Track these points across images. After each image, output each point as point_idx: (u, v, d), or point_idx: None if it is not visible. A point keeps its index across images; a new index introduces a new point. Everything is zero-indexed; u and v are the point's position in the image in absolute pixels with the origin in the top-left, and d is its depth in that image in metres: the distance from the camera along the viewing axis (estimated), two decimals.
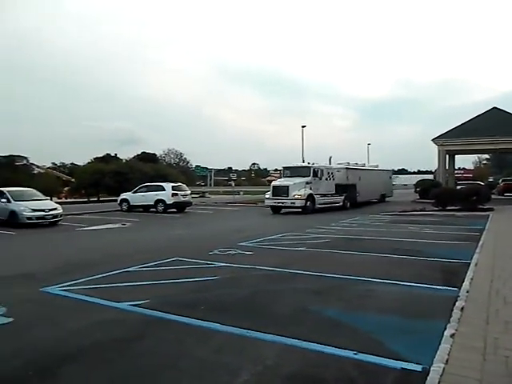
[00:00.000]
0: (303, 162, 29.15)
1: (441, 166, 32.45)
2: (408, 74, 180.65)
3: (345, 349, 3.79)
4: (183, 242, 12.04)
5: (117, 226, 16.83)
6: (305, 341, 4.01)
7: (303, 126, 43.50)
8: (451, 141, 30.77)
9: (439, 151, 31.74)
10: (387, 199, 31.99)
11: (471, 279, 6.24)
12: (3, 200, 16.80)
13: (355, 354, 3.71)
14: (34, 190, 19.05)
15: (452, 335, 3.96)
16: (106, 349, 4.00)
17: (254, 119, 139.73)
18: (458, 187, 28.57)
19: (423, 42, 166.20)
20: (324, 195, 23.47)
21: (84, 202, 35.20)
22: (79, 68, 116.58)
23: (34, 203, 16.90)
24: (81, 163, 53.90)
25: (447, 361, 3.41)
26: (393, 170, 39.72)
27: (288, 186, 22.22)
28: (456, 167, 41.82)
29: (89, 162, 51.77)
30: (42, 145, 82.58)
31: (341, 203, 24.80)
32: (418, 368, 3.41)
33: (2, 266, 8.44)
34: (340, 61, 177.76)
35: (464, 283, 5.98)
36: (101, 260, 8.87)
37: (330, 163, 26.42)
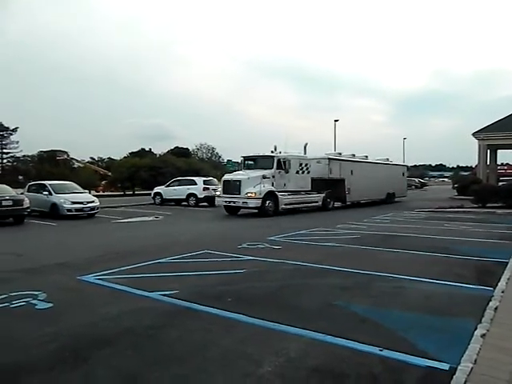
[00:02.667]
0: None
1: (481, 161, 31.07)
2: (446, 66, 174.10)
3: (370, 345, 3.77)
4: (213, 235, 12.25)
5: (150, 218, 17.32)
6: (330, 335, 4.01)
7: (336, 120, 42.99)
8: (493, 135, 29.28)
9: (480, 146, 30.39)
10: (399, 199, 27.35)
11: (508, 279, 6.01)
12: (45, 193, 17.68)
13: (380, 350, 3.68)
14: (74, 184, 19.91)
15: (483, 335, 3.85)
16: (136, 335, 4.17)
17: (285, 114, 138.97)
18: (500, 184, 27.33)
19: (462, 31, 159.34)
20: (294, 193, 18.86)
21: (120, 196, 36.39)
22: (116, 67, 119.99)
23: (73, 196, 17.67)
24: (117, 158, 55.59)
25: (476, 361, 3.32)
26: (407, 166, 34.27)
27: (240, 181, 17.50)
28: (499, 163, 39.94)
29: (125, 157, 53.37)
30: (81, 140, 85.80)
31: (319, 203, 20.11)
32: (445, 367, 3.35)
33: (43, 255, 8.93)
34: (373, 54, 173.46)
35: (500, 283, 5.77)
36: (134, 251, 9.18)
37: (304, 152, 20.55)
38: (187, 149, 68.01)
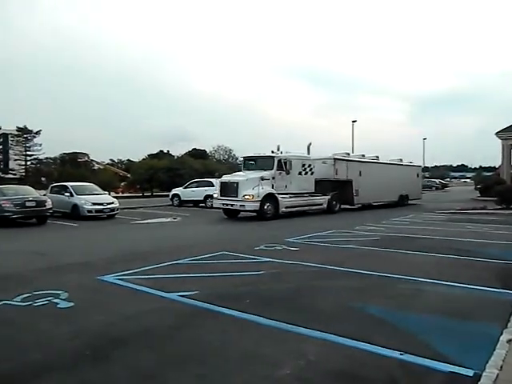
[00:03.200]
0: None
1: (505, 161, 30.33)
2: (468, 65, 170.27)
3: (390, 348, 3.71)
4: (230, 236, 12.29)
5: (168, 220, 17.49)
6: (348, 338, 3.96)
7: (353, 121, 42.72)
8: None
9: (503, 146, 29.69)
10: (413, 202, 25.90)
11: None
12: (67, 194, 18.06)
13: (401, 354, 3.61)
14: (94, 185, 20.29)
15: (509, 341, 3.75)
16: (155, 335, 4.21)
17: (304, 115, 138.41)
18: None
19: (484, 30, 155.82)
20: (296, 195, 17.86)
21: (139, 197, 36.87)
22: (137, 68, 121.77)
23: (93, 197, 18.00)
24: (136, 159, 56.35)
25: (501, 367, 3.23)
26: (421, 167, 32.25)
27: (237, 183, 16.58)
28: None
29: (143, 159, 54.01)
30: (101, 142, 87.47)
31: (324, 206, 19.06)
32: (469, 372, 3.26)
33: (65, 255, 9.11)
34: (392, 53, 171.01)
35: None
36: (153, 252, 9.28)
37: (308, 152, 19.40)
38: (204, 150, 68.48)
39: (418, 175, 27.80)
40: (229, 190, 16.79)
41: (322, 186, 19.40)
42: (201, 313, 4.90)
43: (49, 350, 3.84)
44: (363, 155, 23.48)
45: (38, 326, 4.51)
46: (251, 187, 16.13)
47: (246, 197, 16.08)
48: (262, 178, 16.43)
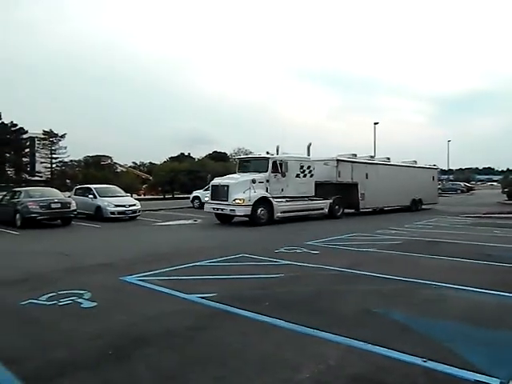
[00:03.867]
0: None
1: None
2: (494, 65, 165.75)
3: (413, 355, 3.62)
4: (250, 239, 12.29)
5: (189, 222, 17.66)
6: (370, 343, 3.90)
7: (375, 123, 42.22)
8: None
9: None
10: (428, 206, 24.39)
11: None
12: (90, 196, 18.48)
13: (424, 361, 3.52)
14: (117, 187, 20.71)
15: None
16: (175, 336, 4.24)
17: (323, 116, 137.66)
18: None
19: (508, 29, 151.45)
20: (293, 199, 16.83)
21: (160, 199, 37.35)
22: (159, 72, 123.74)
23: (116, 199, 18.36)
24: (158, 162, 57.18)
25: None
26: (438, 169, 30.25)
27: (228, 186, 15.59)
28: None
29: (165, 161, 54.79)
30: (124, 145, 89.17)
31: (325, 210, 18.03)
32: (495, 382, 3.15)
33: (88, 256, 9.31)
34: (412, 53, 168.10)
35: None
36: (174, 253, 9.38)
37: (308, 153, 18.19)
38: (225, 153, 68.90)
39: (433, 178, 26.17)
40: (219, 193, 15.85)
41: (323, 189, 18.42)
42: (220, 315, 4.91)
43: (73, 349, 3.91)
44: (372, 156, 22.28)
45: (62, 325, 4.61)
46: (242, 191, 15.09)
47: (237, 201, 15.06)
48: (254, 181, 15.24)
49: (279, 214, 16.05)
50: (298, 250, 9.46)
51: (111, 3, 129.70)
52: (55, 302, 5.40)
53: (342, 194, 19.01)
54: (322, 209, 18.03)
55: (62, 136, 50.77)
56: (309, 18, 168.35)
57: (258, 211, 15.31)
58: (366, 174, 20.36)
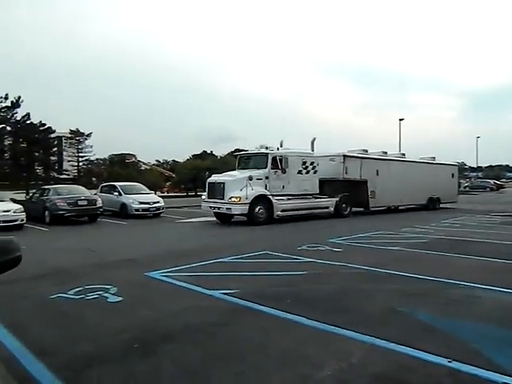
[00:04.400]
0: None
1: None
2: None
3: (437, 355, 3.55)
4: (272, 236, 12.32)
5: (212, 219, 17.78)
6: (394, 343, 3.85)
7: (401, 119, 41.49)
8: None
9: None
10: (447, 205, 22.82)
11: None
12: (115, 193, 18.91)
13: (449, 361, 3.45)
14: (141, 185, 21.10)
15: None
16: (198, 331, 4.30)
17: (350, 113, 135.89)
18: None
19: None
20: (295, 197, 15.98)
21: (183, 196, 37.80)
22: (181, 70, 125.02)
23: (140, 196, 18.71)
24: (181, 160, 57.89)
25: None
26: (459, 165, 28.37)
27: (224, 183, 14.98)
28: None
29: (187, 159, 55.40)
30: (148, 143, 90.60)
31: (330, 209, 17.15)
32: None
33: (114, 252, 9.55)
34: (440, 47, 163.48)
35: None
36: (197, 250, 9.50)
37: (312, 148, 17.29)
38: (247, 150, 68.94)
39: (453, 175, 24.53)
40: (216, 191, 15.25)
41: (330, 186, 17.74)
42: (242, 311, 4.95)
43: (100, 342, 4.03)
44: (385, 152, 21.02)
45: (89, 319, 4.75)
46: (239, 188, 14.34)
47: (233, 199, 14.34)
48: (251, 178, 14.45)
49: (279, 213, 15.25)
50: (320, 248, 9.41)
51: (137, 3, 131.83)
52: (83, 296, 5.57)
53: (349, 192, 18.08)
54: (328, 207, 17.14)
55: (88, 135, 52.12)
56: (336, 13, 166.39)
57: (256, 210, 14.60)
58: (377, 171, 19.23)
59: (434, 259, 8.27)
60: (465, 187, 46.61)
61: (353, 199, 18.21)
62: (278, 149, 16.27)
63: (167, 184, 46.53)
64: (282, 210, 15.35)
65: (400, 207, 21.18)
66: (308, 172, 16.44)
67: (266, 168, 15.35)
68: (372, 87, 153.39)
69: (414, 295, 5.62)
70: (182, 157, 61.18)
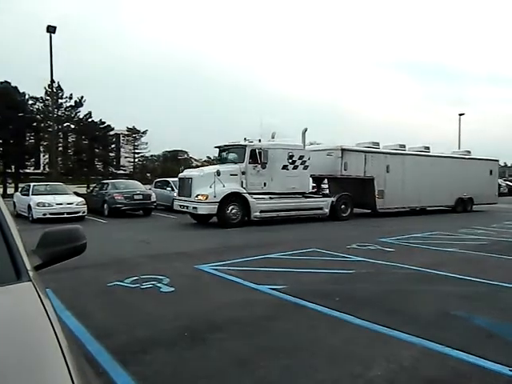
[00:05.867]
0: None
1: None
2: None
3: (496, 362, 3.36)
4: (320, 233, 12.18)
5: None
6: (448, 347, 3.68)
7: (460, 114, 39.34)
8: None
9: None
10: (483, 207, 20.04)
11: None
12: (168, 188, 19.59)
13: (511, 370, 3.25)
14: None
15: None
16: (246, 324, 4.38)
17: (404, 109, 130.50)
18: None
19: None
20: (280, 196, 14.02)
21: None
22: (228, 71, 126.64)
23: None
24: None
25: None
26: (498, 161, 23.79)
27: (191, 179, 13.37)
28: None
29: None
30: (200, 141, 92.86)
31: (324, 210, 15.05)
32: None
33: (167, 245, 9.95)
34: (500, 35, 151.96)
35: None
36: (245, 245, 9.64)
37: (303, 139, 14.82)
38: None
39: (491, 172, 21.13)
40: (184, 188, 13.71)
41: (330, 184, 16.23)
42: (290, 306, 4.97)
43: (153, 328, 4.23)
44: (402, 146, 18.38)
45: (144, 306, 5.00)
46: (208, 185, 12.57)
47: (199, 197, 12.69)
48: (219, 173, 12.53)
49: (257, 214, 13.41)
50: (371, 247, 9.18)
51: (180, 11, 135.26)
52: (138, 285, 5.86)
53: (352, 191, 16.12)
54: (321, 208, 15.08)
55: (144, 132, 54.29)
56: (389, 7, 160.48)
57: (229, 210, 12.91)
58: (387, 167, 16.83)
59: (493, 262, 7.79)
60: None
61: (356, 199, 16.14)
62: (259, 140, 14.39)
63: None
64: (261, 211, 13.52)
65: (420, 208, 18.54)
66: (296, 167, 14.39)
67: (243, 162, 13.61)
68: (427, 82, 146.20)
69: (470, 298, 5.35)
70: None
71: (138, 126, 54.15)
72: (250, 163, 13.59)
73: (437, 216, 18.05)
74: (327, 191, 17.83)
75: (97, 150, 45.78)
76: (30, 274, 1.56)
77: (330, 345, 3.81)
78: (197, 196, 12.81)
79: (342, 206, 15.65)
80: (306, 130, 14.82)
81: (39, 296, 1.43)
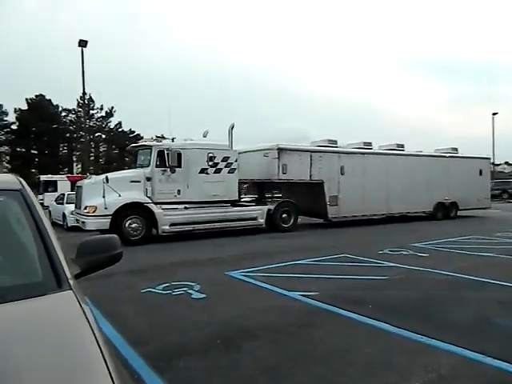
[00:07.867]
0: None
1: None
2: None
3: None
4: (351, 239, 11.99)
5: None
6: (490, 357, 3.52)
7: (494, 114, 38.01)
8: None
9: None
10: (474, 212, 18.05)
11: None
12: None
13: None
14: None
15: None
16: (279, 331, 4.34)
17: (433, 110, 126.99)
18: None
19: None
20: (199, 205, 11.99)
21: None
22: (258, 73, 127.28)
23: None
24: None
25: None
26: (489, 159, 21.81)
27: (81, 187, 11.41)
28: None
29: None
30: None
31: (259, 220, 13.06)
32: None
33: (197, 253, 10.01)
34: None
35: None
36: (275, 251, 9.60)
37: (229, 137, 12.64)
38: None
39: (481, 172, 18.63)
40: (77, 198, 11.78)
41: (256, 190, 14.51)
42: (322, 313, 4.90)
43: (185, 335, 4.27)
44: (369, 143, 16.11)
45: (176, 313, 5.06)
46: (100, 194, 10.51)
47: (87, 209, 10.68)
48: (107, 180, 10.59)
49: (166, 228, 11.37)
50: (404, 252, 8.96)
51: (214, 13, 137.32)
52: (170, 291, 5.94)
53: (300, 198, 14.28)
54: (255, 219, 13.04)
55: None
56: (416, 5, 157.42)
57: (127, 224, 10.83)
58: (341, 168, 14.54)
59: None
60: None
61: (305, 207, 14.32)
62: (172, 140, 12.74)
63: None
64: (172, 224, 11.47)
65: (388, 216, 16.02)
66: (219, 171, 12.35)
67: (148, 166, 11.63)
68: (459, 82, 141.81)
69: (509, 305, 5.10)
70: None
71: (166, 134, 55.31)
72: (157, 167, 11.55)
73: (406, 225, 15.41)
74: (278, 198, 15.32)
75: (127, 159, 47.03)
76: (71, 282, 1.62)
77: (366, 353, 3.72)
78: (85, 208, 10.83)
79: (284, 215, 13.63)
80: (233, 127, 12.75)
81: (80, 304, 1.49)
